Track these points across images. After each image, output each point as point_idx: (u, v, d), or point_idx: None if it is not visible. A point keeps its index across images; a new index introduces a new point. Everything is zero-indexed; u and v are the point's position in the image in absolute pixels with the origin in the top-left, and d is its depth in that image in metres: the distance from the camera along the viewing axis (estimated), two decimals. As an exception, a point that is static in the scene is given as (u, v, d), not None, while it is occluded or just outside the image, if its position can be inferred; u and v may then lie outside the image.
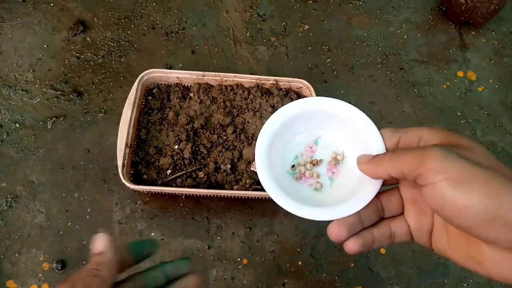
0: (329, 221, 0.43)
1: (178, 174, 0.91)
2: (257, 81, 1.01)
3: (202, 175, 0.92)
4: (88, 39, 1.14)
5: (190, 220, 0.94)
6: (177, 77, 1.00)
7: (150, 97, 1.00)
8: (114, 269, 0.43)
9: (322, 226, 0.93)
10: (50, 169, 0.96)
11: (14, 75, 1.06)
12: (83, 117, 1.02)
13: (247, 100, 1.00)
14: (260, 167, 0.46)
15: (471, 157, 0.36)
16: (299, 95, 1.03)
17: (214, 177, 0.92)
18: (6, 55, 1.09)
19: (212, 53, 1.16)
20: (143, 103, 0.99)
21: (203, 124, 0.96)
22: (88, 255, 0.87)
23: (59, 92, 1.05)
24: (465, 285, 0.94)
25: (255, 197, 0.93)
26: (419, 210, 0.44)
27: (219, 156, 0.94)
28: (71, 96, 1.04)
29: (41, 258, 0.88)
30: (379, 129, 0.45)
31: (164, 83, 1.01)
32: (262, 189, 0.45)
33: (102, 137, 1.00)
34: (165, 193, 0.92)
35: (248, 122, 0.98)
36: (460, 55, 1.24)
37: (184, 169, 0.92)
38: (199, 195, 0.93)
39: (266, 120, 0.48)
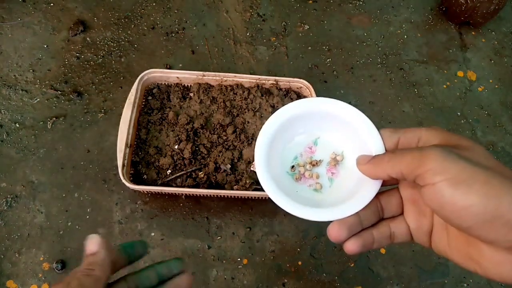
0: (329, 222, 0.43)
1: (178, 174, 0.91)
2: (257, 81, 1.01)
3: (202, 175, 0.92)
4: (88, 39, 1.14)
5: (190, 220, 0.94)
6: (177, 77, 1.00)
7: (150, 97, 1.00)
8: (108, 269, 0.43)
9: (322, 226, 0.93)
10: (50, 169, 0.96)
11: (14, 75, 1.06)
12: (83, 117, 1.02)
13: (247, 100, 1.00)
14: (260, 167, 0.46)
15: (470, 157, 0.36)
16: (299, 95, 1.03)
17: (214, 177, 0.92)
18: (6, 55, 1.09)
19: (212, 53, 1.16)
20: (143, 103, 0.99)
21: (203, 124, 0.96)
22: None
23: (59, 92, 1.05)
24: (465, 285, 0.94)
25: (255, 197, 0.93)
26: (418, 210, 0.43)
27: (219, 156, 0.94)
28: (71, 96, 1.04)
29: (41, 258, 0.88)
30: (378, 129, 0.45)
31: (164, 83, 1.01)
32: (262, 189, 0.45)
33: (102, 137, 1.00)
34: (165, 193, 0.92)
35: (248, 122, 0.98)
36: (460, 55, 1.24)
37: (184, 169, 0.92)
38: (199, 195, 0.93)
39: (266, 120, 0.48)
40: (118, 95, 1.06)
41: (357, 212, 0.43)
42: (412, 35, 1.26)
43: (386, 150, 0.44)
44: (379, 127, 0.46)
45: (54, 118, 1.01)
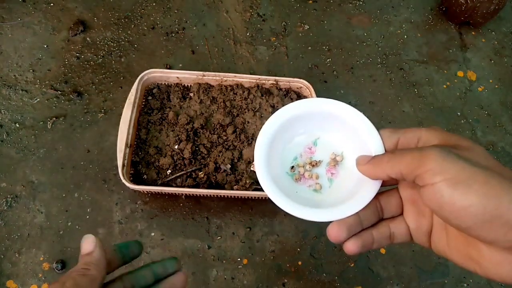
0: (329, 222, 0.43)
1: (178, 174, 0.91)
2: (257, 81, 1.01)
3: (202, 175, 0.92)
4: (88, 39, 1.14)
5: (190, 220, 0.94)
6: (177, 77, 1.00)
7: (150, 97, 1.00)
8: (103, 269, 0.43)
9: (322, 226, 0.93)
10: (50, 169, 0.96)
11: (14, 75, 1.06)
12: (83, 117, 1.02)
13: (247, 100, 1.00)
14: (259, 167, 0.46)
15: (470, 157, 0.36)
16: (299, 95, 1.03)
17: (214, 177, 0.92)
18: (6, 55, 1.09)
19: (212, 53, 1.16)
20: (143, 103, 0.99)
21: (203, 124, 0.96)
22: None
23: (59, 92, 1.05)
24: (465, 285, 0.94)
25: (255, 197, 0.93)
26: (418, 210, 0.44)
27: (219, 156, 0.94)
28: (71, 96, 1.04)
29: (41, 258, 0.88)
30: (378, 129, 0.45)
31: (164, 83, 1.01)
32: (262, 189, 0.45)
33: (102, 137, 1.00)
34: (165, 193, 0.92)
35: (248, 122, 0.98)
36: (460, 55, 1.24)
37: (184, 169, 0.92)
38: (199, 195, 0.93)
39: (266, 120, 0.48)
40: (118, 95, 1.06)
41: (356, 213, 0.43)
42: (412, 35, 1.26)
43: (385, 151, 0.44)
44: (379, 127, 0.46)
45: (54, 118, 1.01)
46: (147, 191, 0.92)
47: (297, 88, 1.02)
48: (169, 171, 0.92)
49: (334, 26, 1.25)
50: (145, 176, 0.91)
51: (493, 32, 1.30)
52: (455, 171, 0.35)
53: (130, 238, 0.91)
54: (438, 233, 0.42)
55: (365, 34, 1.25)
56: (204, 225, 0.94)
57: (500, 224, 0.33)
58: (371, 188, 0.44)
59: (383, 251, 0.95)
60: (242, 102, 0.99)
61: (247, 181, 0.91)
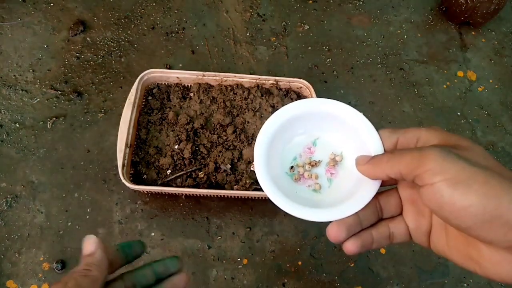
0: (329, 222, 0.43)
1: (178, 174, 0.91)
2: (257, 81, 1.01)
3: (202, 175, 0.92)
4: (88, 39, 1.14)
5: (190, 220, 0.94)
6: (177, 77, 1.00)
7: (150, 97, 1.00)
8: (105, 269, 0.43)
9: (322, 226, 0.93)
10: (50, 169, 0.96)
11: (14, 75, 1.06)
12: (83, 117, 1.02)
13: (247, 100, 1.00)
14: (259, 168, 0.46)
15: (469, 157, 0.36)
16: (299, 95, 1.03)
17: (214, 177, 0.92)
18: (6, 55, 1.09)
19: (212, 53, 1.16)
20: (143, 103, 0.99)
21: (203, 124, 0.96)
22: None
23: (59, 92, 1.05)
24: (465, 285, 0.94)
25: (255, 197, 0.93)
26: (417, 210, 0.44)
27: (219, 156, 0.94)
28: (71, 96, 1.04)
29: (41, 258, 0.88)
30: (377, 129, 0.45)
31: (164, 83, 1.01)
32: (262, 189, 0.45)
33: (102, 137, 1.00)
34: (165, 193, 0.92)
35: (248, 122, 0.98)
36: (460, 55, 1.24)
37: (184, 169, 0.92)
38: (199, 195, 0.93)
39: (266, 120, 0.48)
40: (118, 95, 1.06)
41: (356, 213, 0.43)
42: (412, 35, 1.26)
43: (385, 151, 0.44)
44: (379, 127, 0.46)
45: (54, 118, 1.01)
46: (147, 191, 0.92)
47: (297, 88, 1.02)
48: (169, 171, 0.92)
49: (334, 26, 1.25)
50: (145, 176, 0.91)
51: (493, 32, 1.30)
52: (455, 171, 0.35)
53: (130, 238, 0.91)
54: (438, 233, 0.42)
55: (365, 34, 1.25)
56: (204, 225, 0.94)
57: (499, 224, 0.33)
58: (370, 188, 0.44)
59: (383, 251, 0.95)
60: (242, 102, 0.99)
61: (247, 181, 0.91)
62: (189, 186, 0.90)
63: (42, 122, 1.01)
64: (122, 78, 1.09)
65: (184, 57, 1.14)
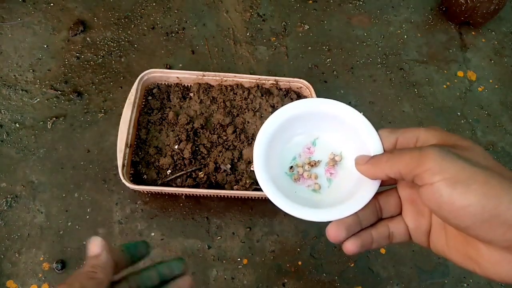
0: (328, 222, 0.43)
1: (178, 174, 0.91)
2: (257, 81, 1.01)
3: (202, 175, 0.92)
4: (88, 39, 1.14)
5: (190, 220, 0.94)
6: (177, 77, 1.00)
7: (150, 97, 1.00)
8: (110, 272, 0.43)
9: (322, 226, 0.92)
10: (50, 169, 0.96)
11: (14, 75, 1.06)
12: (83, 117, 1.02)
13: (247, 100, 1.00)
14: (258, 168, 0.46)
15: (469, 157, 0.36)
16: (299, 95, 1.03)
17: (214, 177, 0.92)
18: (6, 55, 1.09)
19: (212, 53, 1.16)
20: (143, 103, 0.99)
21: (203, 124, 0.96)
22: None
23: (59, 92, 1.05)
24: (465, 285, 0.94)
25: (255, 197, 0.93)
26: (417, 210, 0.44)
27: (219, 156, 0.94)
28: (71, 96, 1.04)
29: (41, 258, 0.88)
30: (377, 129, 0.45)
31: (164, 83, 1.01)
32: (262, 189, 0.45)
33: (102, 137, 1.00)
34: (165, 193, 0.92)
35: (248, 122, 0.98)
36: (460, 55, 1.24)
37: (184, 169, 0.92)
38: (199, 195, 0.93)
39: (266, 120, 0.48)
40: (118, 95, 1.06)
41: (355, 212, 0.43)
42: (412, 35, 1.26)
43: (384, 150, 0.44)
44: (379, 127, 0.46)
45: (54, 118, 1.02)
46: (147, 191, 0.93)
47: (297, 88, 1.02)
48: (169, 171, 0.92)
49: (334, 26, 1.25)
50: (145, 176, 0.91)
51: (493, 32, 1.30)
52: (454, 171, 0.35)
53: (130, 238, 0.91)
54: (437, 232, 0.42)
55: (365, 34, 1.25)
56: (204, 225, 0.94)
57: (498, 223, 0.33)
58: (370, 188, 0.44)
59: (383, 251, 0.95)
60: (242, 102, 0.99)
61: (247, 181, 0.91)
62: (189, 186, 0.90)
63: (42, 122, 1.01)
64: (122, 78, 1.09)
65: (184, 57, 1.14)
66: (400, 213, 0.45)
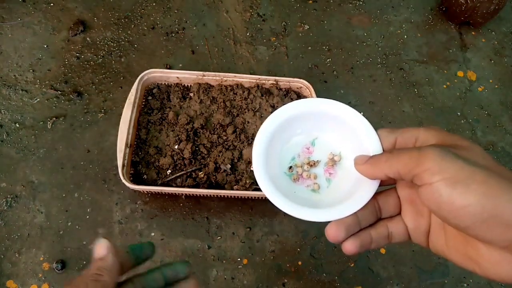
0: (328, 222, 0.43)
1: (178, 174, 0.91)
2: (257, 81, 1.01)
3: (202, 175, 0.92)
4: (88, 39, 1.14)
5: (190, 220, 0.94)
6: (177, 77, 1.00)
7: (150, 97, 1.00)
8: (116, 274, 0.43)
9: (322, 226, 0.92)
10: (50, 169, 0.96)
11: (14, 75, 1.06)
12: (83, 117, 1.02)
13: (247, 100, 1.00)
14: (257, 168, 0.46)
15: (468, 157, 0.36)
16: (299, 95, 1.03)
17: (214, 177, 0.92)
18: (6, 55, 1.09)
19: (212, 53, 1.16)
20: (143, 103, 0.99)
21: (203, 124, 0.96)
22: (88, 255, 0.88)
23: (59, 92, 1.05)
24: (465, 285, 0.94)
25: (255, 197, 0.93)
26: (416, 210, 0.44)
27: (219, 156, 0.94)
28: (71, 96, 1.04)
29: (41, 258, 0.88)
30: (376, 129, 0.45)
31: (164, 83, 1.01)
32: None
33: (102, 137, 1.01)
34: (165, 193, 0.92)
35: (248, 122, 0.98)
36: (460, 55, 1.24)
37: (184, 169, 0.92)
38: (199, 195, 0.93)
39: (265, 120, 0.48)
40: (118, 95, 1.06)
41: (355, 212, 0.43)
42: (412, 35, 1.26)
43: (383, 150, 0.44)
44: (379, 127, 0.46)
45: (54, 118, 1.02)
46: (147, 191, 0.93)
47: (297, 88, 1.02)
48: (169, 171, 0.92)
49: (334, 26, 1.25)
50: (145, 176, 0.91)
51: (493, 32, 1.30)
52: (453, 171, 0.35)
53: (130, 238, 0.91)
54: (437, 232, 0.42)
55: (365, 34, 1.25)
56: (204, 225, 0.94)
57: (498, 223, 0.33)
58: (369, 188, 0.44)
59: (383, 251, 0.95)
60: (242, 102, 0.99)
61: (247, 181, 0.91)
62: (189, 186, 0.90)
63: (42, 122, 1.01)
64: (122, 78, 1.09)
65: (184, 57, 1.14)
66: (399, 213, 0.45)
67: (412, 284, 0.93)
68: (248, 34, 1.21)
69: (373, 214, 0.44)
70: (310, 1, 1.29)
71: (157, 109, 0.98)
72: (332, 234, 0.42)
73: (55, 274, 0.87)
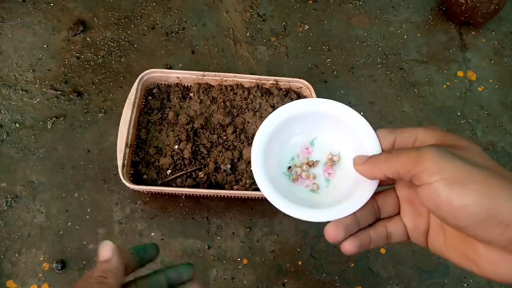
0: (327, 222, 0.43)
1: (178, 174, 0.91)
2: (257, 81, 1.01)
3: (202, 175, 0.92)
4: (88, 39, 1.14)
5: (190, 220, 0.94)
6: (177, 77, 1.00)
7: (150, 97, 1.00)
8: (121, 277, 0.43)
9: (322, 226, 0.92)
10: (50, 169, 0.97)
11: (14, 75, 1.06)
12: (83, 117, 1.03)
13: (247, 100, 1.00)
14: (256, 168, 0.46)
15: (467, 157, 0.36)
16: (299, 95, 1.03)
17: (214, 177, 0.92)
18: (6, 55, 1.09)
19: (212, 53, 1.16)
20: (143, 103, 0.99)
21: (203, 124, 0.97)
22: (88, 255, 0.88)
23: (59, 92, 1.05)
24: (465, 285, 0.94)
25: (255, 197, 0.93)
26: (415, 210, 0.44)
27: (219, 156, 0.94)
28: (71, 96, 1.05)
29: (41, 258, 0.88)
30: (375, 129, 0.45)
31: (164, 83, 1.01)
32: (261, 189, 0.45)
33: (102, 137, 1.01)
34: (165, 193, 0.92)
35: (248, 122, 0.98)
36: (460, 55, 1.24)
37: (184, 169, 0.92)
38: (199, 195, 0.94)
39: (264, 120, 0.48)
40: (118, 95, 1.06)
41: (354, 213, 0.43)
42: (412, 35, 1.26)
43: (382, 150, 0.44)
44: (379, 127, 0.46)
45: (54, 118, 1.02)
46: (147, 191, 0.93)
47: (297, 88, 1.02)
48: (169, 171, 0.92)
49: (334, 26, 1.25)
50: (145, 176, 0.92)
51: (493, 32, 1.30)
52: (452, 171, 0.35)
53: (130, 238, 0.91)
54: (435, 232, 0.42)
55: (365, 34, 1.25)
56: (204, 225, 0.94)
57: (496, 223, 0.33)
58: (368, 188, 0.44)
59: (383, 251, 0.95)
60: (242, 102, 0.99)
61: (247, 181, 0.91)
62: (189, 186, 0.91)
63: (42, 122, 1.01)
64: (122, 78, 1.09)
65: (184, 57, 1.14)
66: (398, 213, 0.45)
67: (412, 284, 0.93)
68: (248, 34, 1.21)
69: (372, 214, 0.44)
70: (310, 1, 1.29)
71: (157, 109, 0.98)
72: (331, 234, 0.42)
73: (55, 274, 0.87)
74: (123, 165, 0.87)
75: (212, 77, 1.00)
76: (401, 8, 1.31)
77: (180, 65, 1.13)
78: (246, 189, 0.91)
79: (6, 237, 0.89)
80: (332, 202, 0.45)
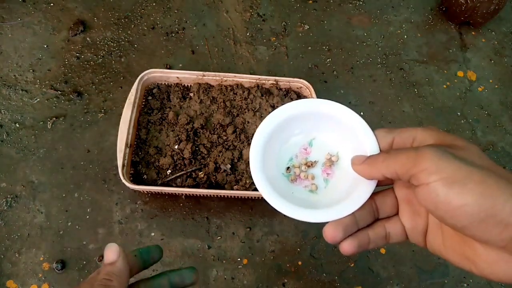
0: (326, 222, 0.43)
1: (178, 174, 0.92)
2: (257, 81, 1.01)
3: (202, 175, 0.92)
4: (88, 39, 1.14)
5: (190, 220, 0.94)
6: (177, 77, 1.00)
7: (150, 97, 1.00)
8: (126, 280, 0.43)
9: (321, 226, 0.92)
10: (50, 169, 0.97)
11: (14, 75, 1.07)
12: (83, 117, 1.03)
13: (247, 100, 1.00)
14: (255, 169, 0.46)
15: (465, 157, 0.36)
16: (299, 95, 1.03)
17: (214, 177, 0.92)
18: (6, 55, 1.09)
19: (212, 53, 1.16)
20: (143, 103, 0.99)
21: (203, 124, 0.97)
22: (88, 255, 0.88)
23: (59, 92, 1.05)
24: (465, 285, 0.94)
25: (255, 197, 0.93)
26: (413, 210, 0.44)
27: (219, 156, 0.94)
28: (71, 96, 1.05)
29: (41, 258, 0.88)
30: (374, 129, 0.45)
31: (164, 83, 1.01)
32: (259, 190, 0.45)
33: (102, 137, 1.01)
34: (165, 193, 0.92)
35: (248, 122, 0.98)
36: (460, 55, 1.24)
37: (184, 169, 0.92)
38: (199, 195, 0.94)
39: (263, 120, 0.48)
40: (118, 95, 1.06)
41: (352, 213, 0.43)
42: (412, 35, 1.26)
43: (380, 150, 0.44)
44: (379, 127, 0.46)
45: (54, 118, 1.02)
46: (147, 191, 0.93)
47: (297, 88, 1.02)
48: (169, 171, 0.92)
49: (334, 26, 1.25)
50: (145, 176, 0.92)
51: (493, 32, 1.30)
52: (450, 171, 0.35)
53: (130, 238, 0.91)
54: (434, 232, 0.42)
55: (365, 34, 1.25)
56: (204, 225, 0.94)
57: (495, 223, 0.33)
58: (366, 188, 0.44)
59: (383, 251, 0.95)
60: (242, 102, 0.99)
61: (247, 181, 0.91)
62: (189, 186, 0.91)
63: (42, 122, 1.01)
64: (122, 78, 1.09)
65: (184, 57, 1.14)
66: (396, 213, 0.45)
67: (412, 284, 0.93)
68: (248, 34, 1.21)
69: (370, 215, 0.44)
70: (310, 1, 1.29)
71: (157, 109, 0.98)
72: (330, 234, 0.42)
73: (55, 274, 0.87)
74: (123, 165, 0.87)
75: (212, 77, 1.00)
76: (401, 8, 1.31)
77: (180, 65, 1.13)
78: (246, 189, 0.91)
79: (6, 237, 0.89)
80: (330, 203, 0.45)
